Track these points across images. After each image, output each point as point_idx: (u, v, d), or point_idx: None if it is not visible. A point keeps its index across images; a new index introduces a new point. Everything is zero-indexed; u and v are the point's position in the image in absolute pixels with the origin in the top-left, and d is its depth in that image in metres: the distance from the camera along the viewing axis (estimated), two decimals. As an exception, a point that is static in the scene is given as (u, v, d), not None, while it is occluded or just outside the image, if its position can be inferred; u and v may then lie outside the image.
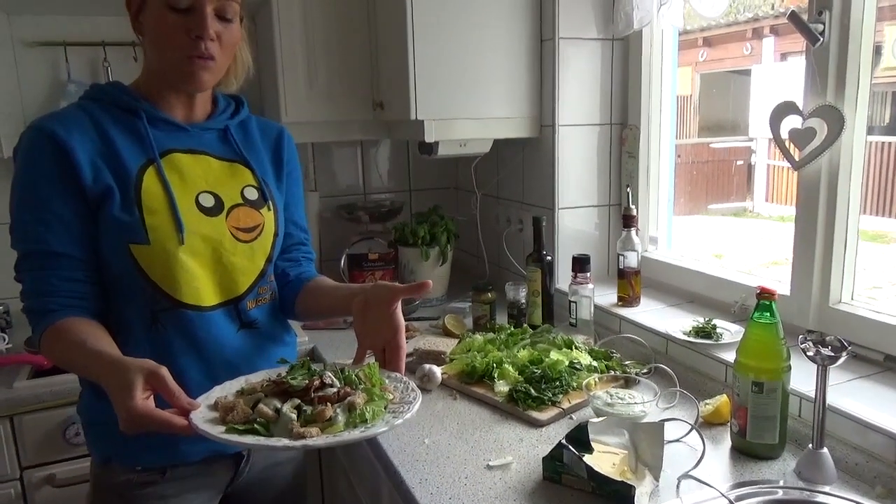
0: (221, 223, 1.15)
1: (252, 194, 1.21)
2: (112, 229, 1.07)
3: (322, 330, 2.01)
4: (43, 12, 2.06)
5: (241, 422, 0.92)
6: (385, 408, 0.99)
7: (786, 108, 1.42)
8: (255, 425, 0.91)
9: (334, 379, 1.01)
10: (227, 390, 1.02)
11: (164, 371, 0.91)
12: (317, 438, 0.90)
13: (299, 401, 0.96)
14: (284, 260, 1.31)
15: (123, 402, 0.88)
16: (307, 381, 0.99)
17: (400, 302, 1.09)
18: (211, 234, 1.14)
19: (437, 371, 1.54)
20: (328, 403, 0.95)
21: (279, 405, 0.95)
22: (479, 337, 1.71)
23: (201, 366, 1.13)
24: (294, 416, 0.93)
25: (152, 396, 0.92)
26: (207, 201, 1.15)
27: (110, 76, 2.13)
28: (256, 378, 1.06)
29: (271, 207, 1.23)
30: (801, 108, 1.40)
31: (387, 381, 1.06)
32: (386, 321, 1.08)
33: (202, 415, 0.93)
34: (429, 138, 1.88)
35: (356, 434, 0.92)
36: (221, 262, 1.15)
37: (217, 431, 0.90)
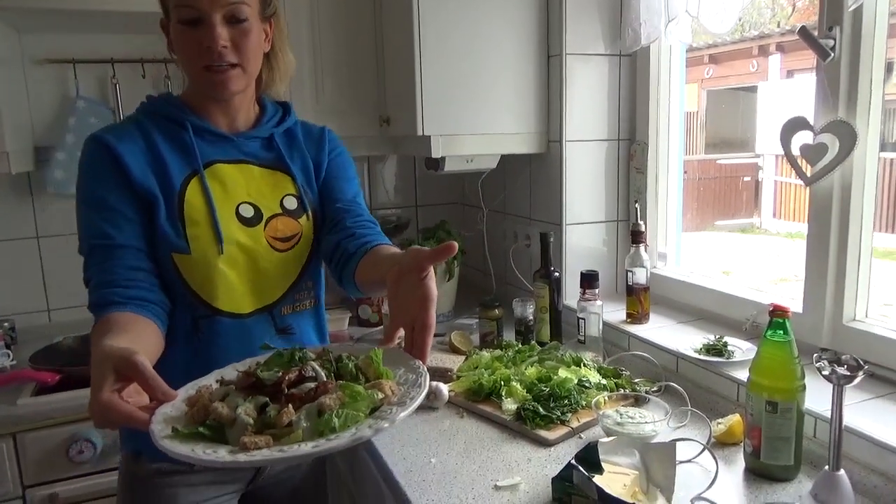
0: (259, 233, 1.19)
1: (291, 203, 1.23)
2: (157, 238, 1.12)
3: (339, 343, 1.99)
4: (52, 30, 2.07)
5: (199, 420, 0.80)
6: (371, 411, 0.80)
7: (797, 124, 1.41)
8: (201, 428, 0.78)
9: (318, 370, 0.85)
10: (223, 375, 0.93)
11: (139, 358, 0.82)
12: (256, 454, 0.74)
13: (267, 399, 0.81)
14: (335, 232, 1.23)
15: (92, 395, 0.81)
16: (279, 374, 0.84)
17: (431, 270, 0.93)
18: (249, 243, 1.17)
19: (444, 389, 1.52)
20: (291, 404, 0.79)
21: (242, 403, 0.81)
22: (486, 354, 1.69)
23: None
24: (250, 420, 0.78)
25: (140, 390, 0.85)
26: (247, 212, 1.19)
27: (119, 92, 2.14)
28: (246, 364, 0.95)
29: (310, 216, 1.25)
30: (812, 123, 1.39)
31: (401, 371, 0.88)
32: (414, 292, 0.92)
33: (169, 410, 0.82)
34: (435, 154, 1.87)
35: (305, 449, 0.74)
36: (258, 271, 1.19)
37: (164, 433, 0.78)
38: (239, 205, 1.18)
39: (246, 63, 1.14)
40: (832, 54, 1.33)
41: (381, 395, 0.82)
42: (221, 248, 1.14)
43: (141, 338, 0.98)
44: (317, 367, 0.86)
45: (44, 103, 2.11)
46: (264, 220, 1.20)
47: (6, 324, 2.04)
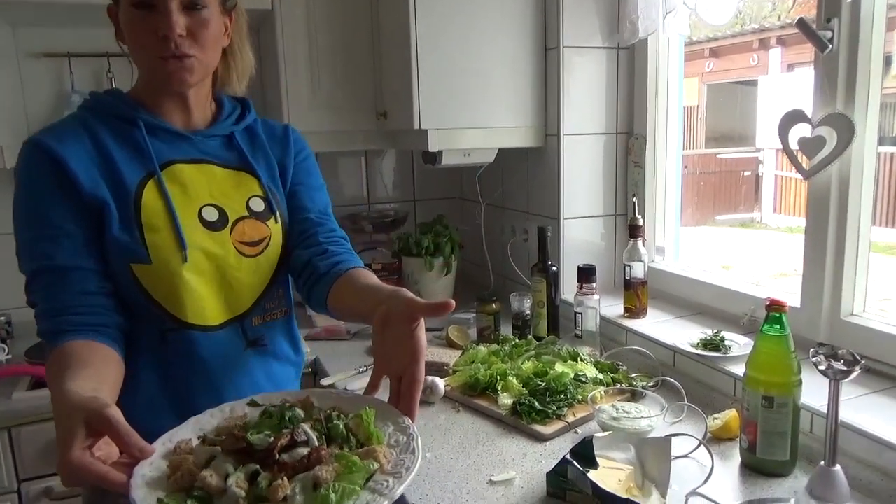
0: (226, 238, 1.10)
1: (258, 205, 1.15)
2: (112, 249, 1.02)
3: (324, 341, 1.99)
4: (47, 24, 2.06)
5: (184, 487, 0.74)
6: (365, 482, 0.76)
7: (795, 117, 1.40)
8: (190, 501, 0.72)
9: (311, 434, 0.80)
10: (201, 424, 0.87)
11: (111, 412, 0.74)
12: None
13: (258, 466, 0.76)
14: (306, 247, 1.18)
15: (61, 454, 0.73)
16: (271, 440, 0.78)
17: (422, 321, 0.89)
18: (215, 250, 1.08)
19: (440, 383, 1.52)
20: (286, 476, 0.74)
21: (232, 471, 0.75)
22: (482, 348, 1.69)
23: (209, 389, 1.08)
24: (242, 493, 0.72)
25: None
26: (211, 215, 1.10)
27: (114, 86, 2.13)
28: (240, 409, 0.91)
29: (279, 219, 1.17)
30: (810, 116, 1.38)
31: (390, 430, 0.85)
32: (403, 343, 0.88)
33: (147, 470, 0.76)
34: (432, 148, 1.86)
35: None
36: (226, 279, 1.10)
37: (148, 502, 0.72)
38: (202, 207, 1.09)
39: (203, 54, 1.05)
40: (830, 46, 1.32)
41: (375, 466, 0.78)
42: (185, 255, 1.04)
43: (103, 372, 0.92)
44: (308, 431, 0.80)
45: (39, 97, 2.10)
46: (230, 224, 1.11)
47: (2, 318, 2.04)
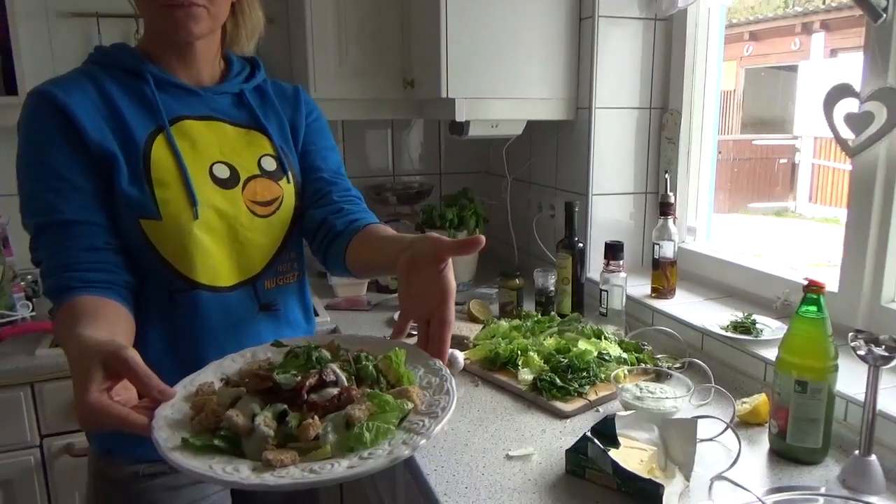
0: (237, 196, 1.07)
1: (270, 165, 1.12)
2: (120, 204, 0.99)
3: (345, 311, 1.97)
4: (77, -18, 2.05)
5: (208, 428, 0.71)
6: (400, 422, 0.73)
7: (841, 91, 1.33)
8: (216, 440, 0.70)
9: (339, 374, 0.77)
10: (223, 368, 0.85)
11: (129, 353, 0.72)
12: (284, 474, 0.65)
13: (286, 406, 0.73)
14: (320, 206, 1.15)
15: (78, 396, 0.71)
16: (298, 379, 0.75)
17: (450, 261, 0.86)
18: (226, 208, 1.05)
19: (460, 356, 1.49)
20: (316, 415, 0.71)
21: (259, 410, 0.72)
22: (504, 323, 1.65)
23: (217, 352, 1.02)
24: (271, 432, 0.70)
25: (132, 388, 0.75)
26: (222, 172, 1.06)
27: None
28: (263, 354, 0.88)
29: (291, 179, 1.14)
30: (858, 90, 1.31)
31: (420, 372, 0.81)
32: (431, 284, 0.85)
33: (169, 412, 0.74)
34: (459, 117, 1.82)
35: (340, 470, 0.65)
36: (238, 239, 1.07)
37: (172, 443, 0.69)
38: (213, 164, 1.05)
39: (211, 5, 1.00)
40: (884, 15, 1.24)
41: (409, 405, 0.74)
42: (196, 211, 1.01)
43: (115, 325, 0.88)
44: (337, 371, 0.77)
45: (67, 57, 2.08)
46: (242, 182, 1.07)
47: (29, 277, 2.06)
